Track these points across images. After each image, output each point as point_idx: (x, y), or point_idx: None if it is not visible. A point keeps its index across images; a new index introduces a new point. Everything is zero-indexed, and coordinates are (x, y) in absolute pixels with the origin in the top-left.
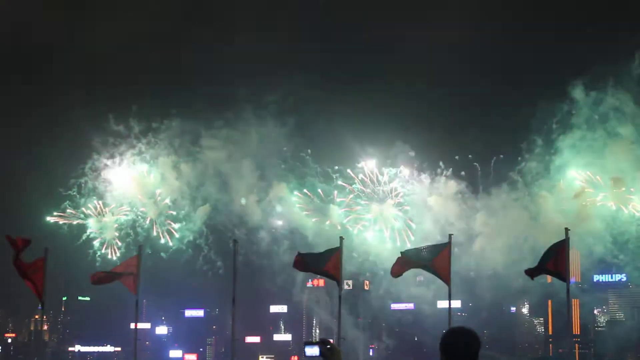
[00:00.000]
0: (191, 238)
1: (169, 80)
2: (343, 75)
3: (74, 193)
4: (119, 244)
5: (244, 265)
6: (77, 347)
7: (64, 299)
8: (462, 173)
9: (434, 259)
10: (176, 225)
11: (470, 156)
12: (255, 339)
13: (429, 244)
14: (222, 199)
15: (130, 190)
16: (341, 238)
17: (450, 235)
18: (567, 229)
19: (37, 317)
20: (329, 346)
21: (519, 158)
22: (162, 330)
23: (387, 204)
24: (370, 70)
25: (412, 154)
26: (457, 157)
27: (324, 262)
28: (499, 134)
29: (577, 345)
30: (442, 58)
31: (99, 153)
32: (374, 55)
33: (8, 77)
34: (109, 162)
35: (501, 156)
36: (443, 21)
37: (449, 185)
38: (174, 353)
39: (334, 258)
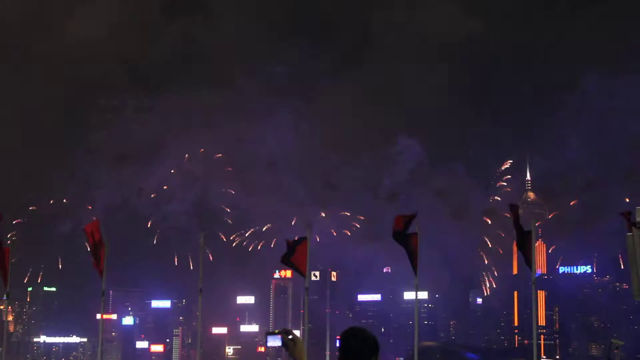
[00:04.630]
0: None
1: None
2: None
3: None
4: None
5: (232, 251)
6: (43, 338)
7: (30, 289)
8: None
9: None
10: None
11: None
12: (222, 330)
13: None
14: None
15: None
16: (308, 228)
17: (417, 226)
18: (534, 221)
19: (1, 307)
20: (291, 336)
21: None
22: (128, 321)
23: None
24: (373, 58)
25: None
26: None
27: (291, 253)
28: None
29: (542, 336)
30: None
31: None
32: (379, 44)
33: None
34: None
35: (511, 161)
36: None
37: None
38: (141, 344)
39: (300, 248)
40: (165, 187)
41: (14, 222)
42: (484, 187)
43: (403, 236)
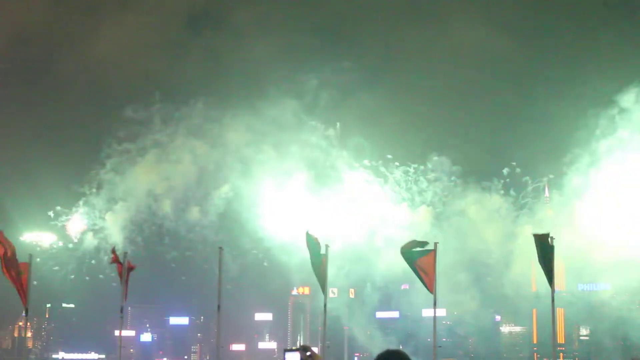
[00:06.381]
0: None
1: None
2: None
3: (90, 190)
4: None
5: (249, 267)
6: (61, 355)
7: (48, 305)
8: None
9: (418, 260)
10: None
11: (518, 170)
12: (241, 347)
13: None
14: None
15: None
16: (326, 246)
17: (435, 244)
18: (551, 237)
19: (21, 323)
20: (309, 353)
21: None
22: (146, 337)
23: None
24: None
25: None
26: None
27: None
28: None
29: (561, 354)
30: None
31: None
32: (407, 61)
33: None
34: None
35: (551, 176)
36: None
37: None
38: None
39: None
40: (188, 198)
41: (34, 238)
42: (516, 206)
43: (414, 254)
